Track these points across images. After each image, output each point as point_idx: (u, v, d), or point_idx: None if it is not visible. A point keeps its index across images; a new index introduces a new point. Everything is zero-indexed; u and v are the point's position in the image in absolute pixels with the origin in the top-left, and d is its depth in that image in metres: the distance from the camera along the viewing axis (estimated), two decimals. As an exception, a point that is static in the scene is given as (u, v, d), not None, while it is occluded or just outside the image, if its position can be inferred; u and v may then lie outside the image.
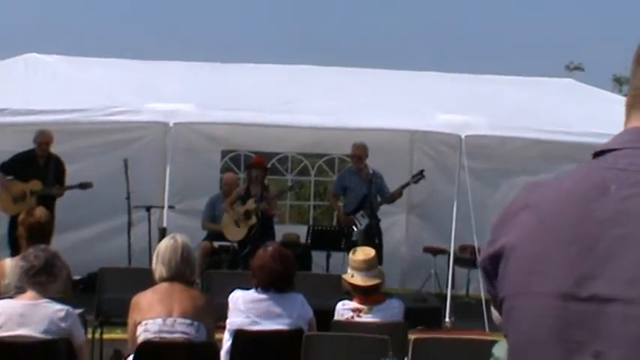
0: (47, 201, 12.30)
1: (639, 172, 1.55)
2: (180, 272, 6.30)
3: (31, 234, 7.67)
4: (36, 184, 12.61)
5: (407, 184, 13.39)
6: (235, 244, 12.90)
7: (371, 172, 13.43)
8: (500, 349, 3.92)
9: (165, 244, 6.47)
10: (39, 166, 12.72)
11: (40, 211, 8.04)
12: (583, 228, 1.54)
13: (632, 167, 1.56)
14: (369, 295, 7.28)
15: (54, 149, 12.84)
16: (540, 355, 1.54)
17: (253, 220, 12.78)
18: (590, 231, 1.53)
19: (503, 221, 1.67)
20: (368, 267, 7.32)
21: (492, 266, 1.67)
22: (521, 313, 1.58)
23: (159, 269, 6.36)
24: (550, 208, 1.61)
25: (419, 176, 13.33)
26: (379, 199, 13.42)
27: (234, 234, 12.91)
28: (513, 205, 1.68)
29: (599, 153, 1.66)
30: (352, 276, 7.37)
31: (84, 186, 12.63)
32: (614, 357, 1.45)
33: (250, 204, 12.86)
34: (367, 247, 7.98)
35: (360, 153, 13.46)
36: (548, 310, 1.53)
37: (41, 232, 7.73)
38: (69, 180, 12.80)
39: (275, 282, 6.76)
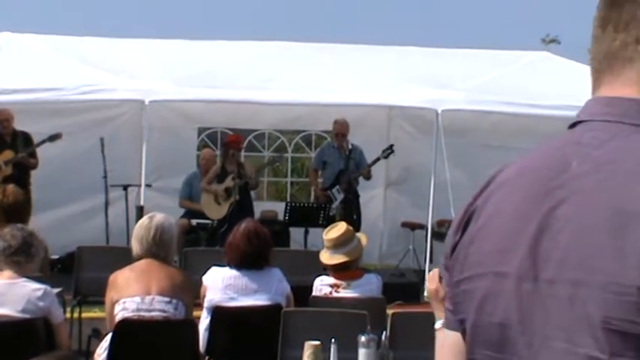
0: (22, 175, 12.26)
1: (601, 147, 1.51)
2: (155, 251, 6.30)
3: (7, 214, 7.65)
4: (8, 154, 12.56)
5: (377, 159, 13.40)
6: (214, 222, 12.89)
7: (350, 147, 13.45)
8: None
9: (140, 222, 6.48)
10: (6, 142, 12.66)
11: (15, 191, 8.01)
12: (541, 207, 1.51)
13: (595, 142, 1.53)
14: (343, 271, 7.28)
15: (29, 128, 12.76)
16: (502, 337, 1.53)
17: (234, 197, 12.77)
18: (547, 210, 1.50)
19: (476, 197, 1.66)
20: (336, 244, 7.31)
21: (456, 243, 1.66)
22: (483, 294, 1.56)
23: (134, 247, 6.38)
24: (514, 187, 1.59)
25: (389, 151, 13.34)
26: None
27: (216, 212, 12.90)
28: (488, 182, 1.66)
29: (573, 125, 1.63)
30: (324, 252, 7.40)
31: (53, 138, 12.51)
32: (559, 340, 1.45)
33: (229, 181, 12.86)
34: (344, 222, 7.96)
35: (343, 130, 13.46)
36: (508, 291, 1.52)
37: (18, 212, 7.71)
38: (44, 160, 12.71)
39: (245, 261, 6.78)
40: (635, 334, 1.37)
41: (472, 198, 1.66)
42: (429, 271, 12.00)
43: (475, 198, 1.65)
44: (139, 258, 6.35)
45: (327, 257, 7.33)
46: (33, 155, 12.68)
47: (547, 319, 1.47)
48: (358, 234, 7.70)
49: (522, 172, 1.60)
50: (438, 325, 4.20)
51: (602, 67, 1.61)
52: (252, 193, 13.71)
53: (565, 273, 1.46)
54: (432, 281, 4.28)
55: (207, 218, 12.98)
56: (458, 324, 1.66)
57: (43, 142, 12.57)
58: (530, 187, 1.56)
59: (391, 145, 13.43)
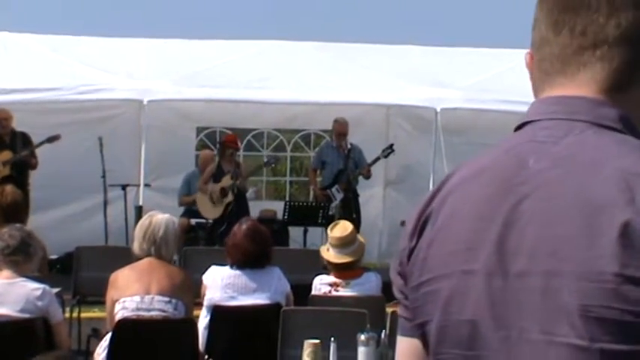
0: (21, 175, 12.25)
1: (557, 143, 1.54)
2: (156, 250, 6.30)
3: (5, 214, 7.66)
4: (6, 154, 12.54)
5: (377, 159, 13.42)
6: (210, 221, 12.89)
7: (349, 146, 13.44)
8: None
9: (141, 221, 6.49)
10: (5, 142, 12.65)
11: (13, 191, 8.02)
12: (504, 203, 1.53)
13: (551, 139, 1.55)
14: (345, 270, 7.29)
15: (28, 128, 12.75)
16: (472, 334, 1.53)
17: (230, 197, 12.76)
18: (511, 206, 1.52)
19: (429, 201, 1.66)
20: (342, 244, 7.30)
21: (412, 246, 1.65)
22: (449, 293, 1.56)
23: (135, 246, 6.39)
24: (472, 187, 1.60)
25: (389, 150, 13.35)
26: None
27: (211, 212, 12.89)
28: (441, 185, 1.67)
29: (519, 127, 1.66)
30: (328, 250, 7.38)
31: (52, 139, 12.50)
32: (536, 331, 1.46)
33: (226, 181, 12.84)
34: (346, 221, 7.96)
35: (343, 130, 13.44)
36: (476, 288, 1.52)
37: (16, 212, 7.72)
38: (43, 160, 12.70)
39: (249, 261, 6.78)
40: (613, 319, 1.40)
41: (424, 203, 1.67)
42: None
43: (429, 202, 1.66)
44: (140, 257, 6.35)
45: (333, 256, 7.31)
46: (33, 155, 12.67)
47: (521, 312, 1.48)
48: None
49: (478, 172, 1.62)
50: None
51: (554, 69, 1.63)
52: (252, 192, 13.71)
53: (536, 265, 1.47)
54: None
55: (205, 217, 12.97)
56: (415, 329, 1.66)
57: (41, 143, 12.56)
58: (489, 185, 1.57)
59: (391, 145, 13.43)
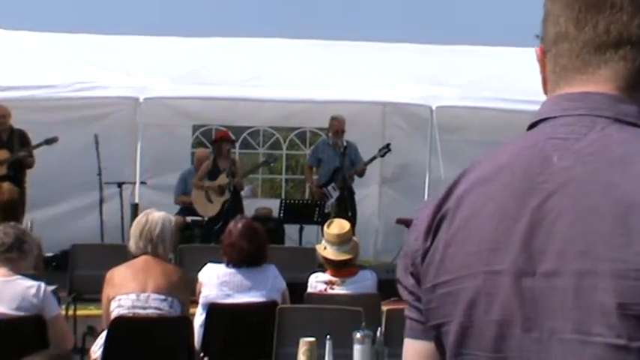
0: (17, 174, 12.25)
1: (580, 140, 1.53)
2: (152, 248, 6.30)
3: (2, 211, 7.67)
4: (3, 154, 12.54)
5: (374, 158, 13.44)
6: (205, 219, 12.88)
7: (344, 144, 13.44)
8: None
9: (137, 219, 6.49)
10: (2, 140, 12.64)
11: (10, 189, 8.02)
12: (529, 202, 1.51)
13: (573, 135, 1.54)
14: (341, 268, 7.29)
15: (23, 125, 12.75)
16: (499, 335, 1.52)
17: (227, 195, 12.75)
18: (537, 204, 1.50)
19: (443, 201, 1.63)
20: (341, 241, 7.30)
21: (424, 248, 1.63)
22: (473, 294, 1.54)
23: (131, 244, 6.40)
24: (492, 186, 1.58)
25: (385, 149, 13.38)
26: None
27: (208, 209, 12.88)
28: (454, 185, 1.64)
29: (533, 125, 1.65)
30: (325, 248, 7.37)
31: (50, 141, 12.50)
32: (569, 331, 1.45)
33: (222, 179, 12.83)
34: (342, 219, 7.96)
35: (341, 127, 13.45)
36: (504, 289, 1.51)
37: (13, 210, 7.73)
38: (39, 157, 12.70)
39: (244, 259, 6.78)
40: None
41: (437, 203, 1.63)
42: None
43: (442, 201, 1.63)
44: (136, 255, 6.35)
45: (332, 253, 7.30)
46: (30, 154, 12.67)
47: (552, 312, 1.47)
48: None
49: (496, 171, 1.59)
50: None
51: (573, 65, 1.62)
52: (248, 190, 13.71)
53: (566, 264, 1.46)
54: None
55: (201, 215, 12.96)
56: (429, 331, 1.64)
57: (39, 145, 12.55)
58: (510, 184, 1.55)
59: (388, 144, 13.44)
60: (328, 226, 7.47)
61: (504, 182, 1.56)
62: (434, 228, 1.62)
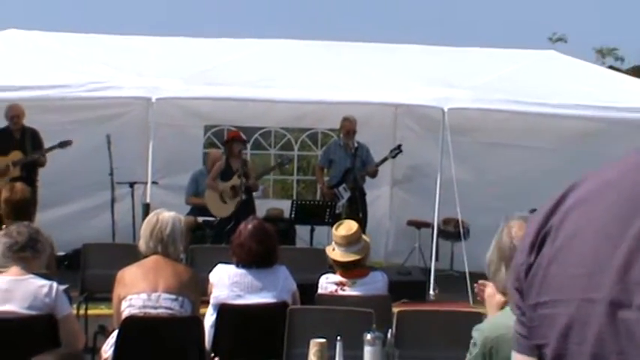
0: (30, 174, 12.30)
1: None
2: (162, 248, 6.31)
3: (15, 210, 7.69)
4: (16, 155, 12.60)
5: (385, 159, 13.46)
6: (217, 219, 12.89)
7: (356, 145, 13.46)
8: (477, 334, 3.91)
9: (148, 219, 6.50)
10: (15, 139, 12.70)
11: (23, 189, 8.05)
12: (632, 225, 1.43)
13: None
14: (351, 269, 7.29)
15: (36, 125, 12.80)
16: None
17: (240, 195, 12.76)
18: (639, 229, 1.42)
19: (549, 216, 1.58)
20: (348, 242, 7.31)
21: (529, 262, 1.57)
22: (568, 321, 1.49)
23: (141, 244, 6.40)
24: (597, 204, 1.51)
25: (397, 150, 13.40)
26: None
27: (221, 210, 12.89)
28: (561, 199, 1.58)
29: None
30: (333, 250, 7.38)
31: (63, 144, 12.59)
32: None
33: (236, 180, 12.84)
34: (351, 220, 7.96)
35: (353, 127, 13.48)
36: (599, 318, 1.44)
37: (25, 209, 7.75)
38: (51, 157, 12.74)
39: (253, 260, 6.79)
40: None
41: (544, 216, 1.58)
42: (435, 269, 12.11)
43: (548, 216, 1.57)
44: (146, 255, 6.36)
45: (338, 255, 7.32)
46: (42, 156, 12.72)
47: None
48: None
49: (603, 187, 1.52)
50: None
51: None
52: (259, 191, 13.73)
53: None
54: (486, 287, 4.28)
55: (213, 215, 12.97)
56: (533, 348, 1.59)
57: (52, 147, 12.61)
58: (614, 204, 1.48)
59: (399, 145, 13.46)
60: (336, 228, 7.47)
61: (609, 201, 1.49)
62: (538, 243, 1.58)
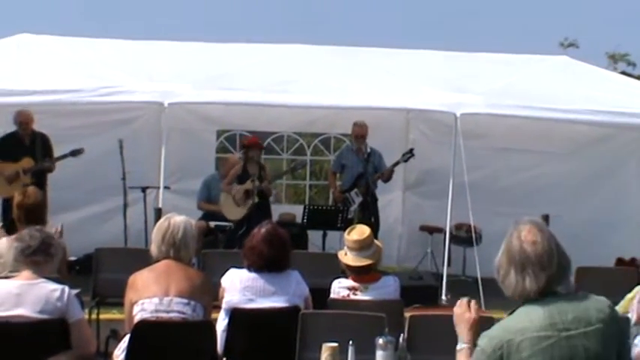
0: (40, 179, 12.33)
1: None
2: (174, 252, 6.32)
3: (27, 215, 7.71)
4: (27, 162, 12.64)
5: (397, 163, 13.46)
6: (232, 225, 12.90)
7: (368, 150, 13.46)
8: (484, 341, 3.90)
9: (159, 223, 6.49)
10: (25, 145, 12.74)
11: (35, 192, 8.06)
12: None
13: None
14: (364, 274, 7.29)
15: (48, 130, 12.82)
16: None
17: (253, 199, 12.78)
18: None
19: None
20: (360, 247, 7.31)
21: None
22: None
23: (153, 248, 6.40)
24: None
25: (409, 155, 13.40)
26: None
27: (234, 213, 12.92)
28: None
29: None
30: (345, 254, 7.38)
31: (75, 153, 12.63)
32: None
33: (249, 183, 12.86)
34: (363, 225, 7.96)
35: (362, 132, 13.50)
36: None
37: (38, 213, 7.77)
38: (63, 162, 12.75)
39: (265, 264, 6.79)
40: None
41: None
42: (447, 274, 12.09)
43: None
44: (158, 259, 6.37)
45: (351, 259, 7.32)
46: (52, 164, 12.75)
47: None
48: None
49: None
50: (459, 346, 4.24)
51: None
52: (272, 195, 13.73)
53: None
54: (461, 306, 4.32)
55: (226, 220, 12.99)
56: None
57: (64, 156, 12.64)
58: None
59: (411, 149, 13.47)
60: (348, 233, 7.47)
61: None
62: None
